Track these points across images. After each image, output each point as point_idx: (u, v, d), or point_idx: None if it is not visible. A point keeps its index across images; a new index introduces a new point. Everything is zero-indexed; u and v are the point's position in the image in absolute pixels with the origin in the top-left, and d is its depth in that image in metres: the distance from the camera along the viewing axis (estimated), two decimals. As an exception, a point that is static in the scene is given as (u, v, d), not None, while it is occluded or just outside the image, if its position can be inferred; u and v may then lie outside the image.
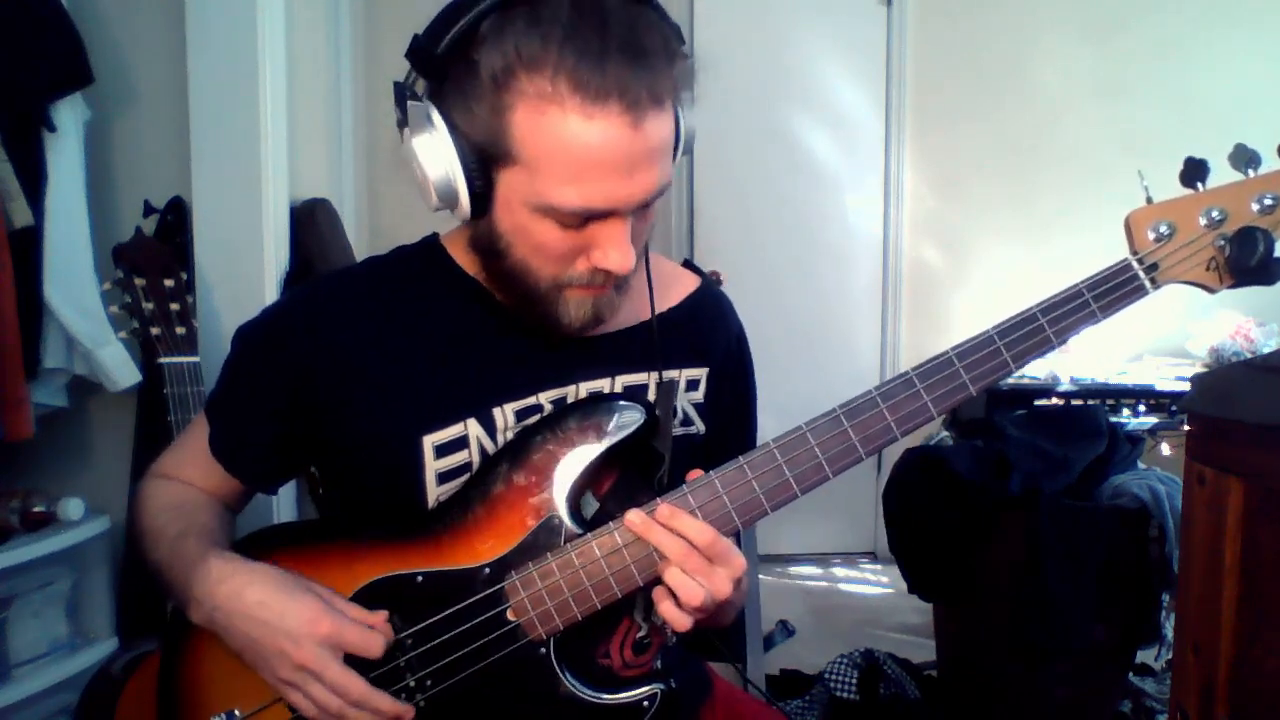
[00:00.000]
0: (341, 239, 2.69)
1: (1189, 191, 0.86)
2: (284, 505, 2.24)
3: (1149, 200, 0.86)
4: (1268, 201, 0.84)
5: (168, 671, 0.93)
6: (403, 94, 0.84)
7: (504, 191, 0.84)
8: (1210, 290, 0.87)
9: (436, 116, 0.82)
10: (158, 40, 2.22)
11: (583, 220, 0.83)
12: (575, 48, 0.76)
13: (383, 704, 0.85)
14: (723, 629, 0.98)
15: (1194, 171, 0.85)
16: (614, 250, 0.84)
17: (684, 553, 0.83)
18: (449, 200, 0.85)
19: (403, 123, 0.86)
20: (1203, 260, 0.85)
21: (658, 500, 0.86)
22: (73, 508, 2.00)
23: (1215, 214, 0.84)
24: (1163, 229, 0.85)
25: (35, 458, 2.16)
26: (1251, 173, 0.84)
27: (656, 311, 0.99)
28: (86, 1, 2.13)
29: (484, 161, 0.83)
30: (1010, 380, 2.94)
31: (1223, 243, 0.84)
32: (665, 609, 0.84)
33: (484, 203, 0.85)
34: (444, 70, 0.82)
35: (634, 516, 0.84)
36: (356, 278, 1.00)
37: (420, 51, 0.82)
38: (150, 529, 0.96)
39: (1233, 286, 0.86)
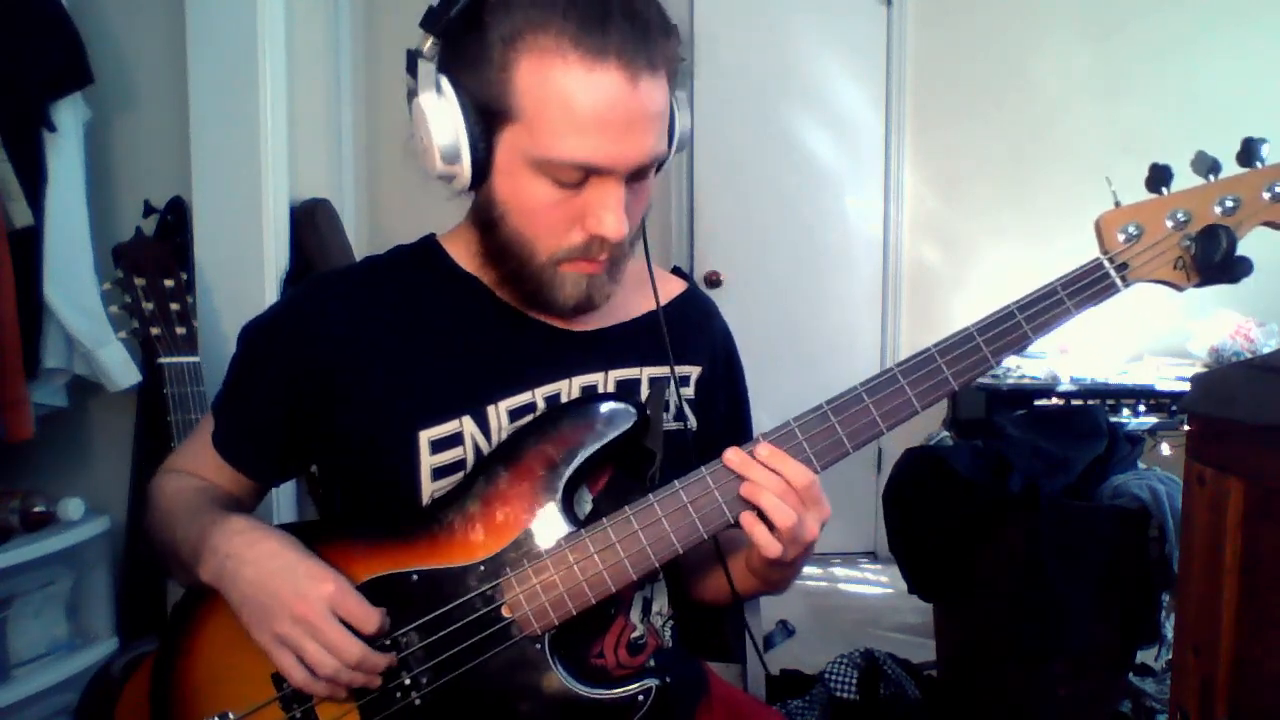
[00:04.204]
0: (341, 239, 2.69)
1: (1155, 195, 0.90)
2: (284, 506, 2.24)
3: (1117, 203, 0.90)
4: (1229, 204, 0.89)
5: (162, 673, 0.93)
6: (414, 60, 0.86)
7: (503, 153, 0.86)
8: (1178, 288, 0.91)
9: (443, 78, 0.85)
10: (158, 40, 2.22)
11: (579, 180, 0.85)
12: (579, 10, 0.81)
13: (377, 666, 0.85)
14: (775, 586, 0.99)
15: (1158, 177, 0.90)
16: (608, 214, 0.86)
17: (782, 490, 0.85)
18: (452, 160, 0.86)
19: (413, 92, 0.88)
20: (1170, 259, 0.90)
21: (760, 439, 0.87)
22: (73, 508, 2.00)
23: (1180, 215, 0.89)
24: (1131, 230, 0.89)
25: (35, 458, 2.16)
26: (1213, 178, 0.89)
27: (646, 310, 1.01)
28: (86, 1, 2.13)
29: (486, 123, 0.85)
30: (1010, 380, 2.94)
31: (1188, 242, 0.89)
32: (758, 534, 0.85)
33: (484, 169, 0.87)
34: (455, 32, 0.84)
35: (732, 455, 0.86)
36: (355, 275, 1.01)
37: (434, 15, 0.85)
38: (167, 510, 0.97)
39: (1199, 285, 0.90)
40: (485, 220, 0.91)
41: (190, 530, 0.92)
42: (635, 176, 0.87)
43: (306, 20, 2.76)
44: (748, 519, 0.86)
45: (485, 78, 0.84)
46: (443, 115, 0.85)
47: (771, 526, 0.85)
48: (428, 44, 0.85)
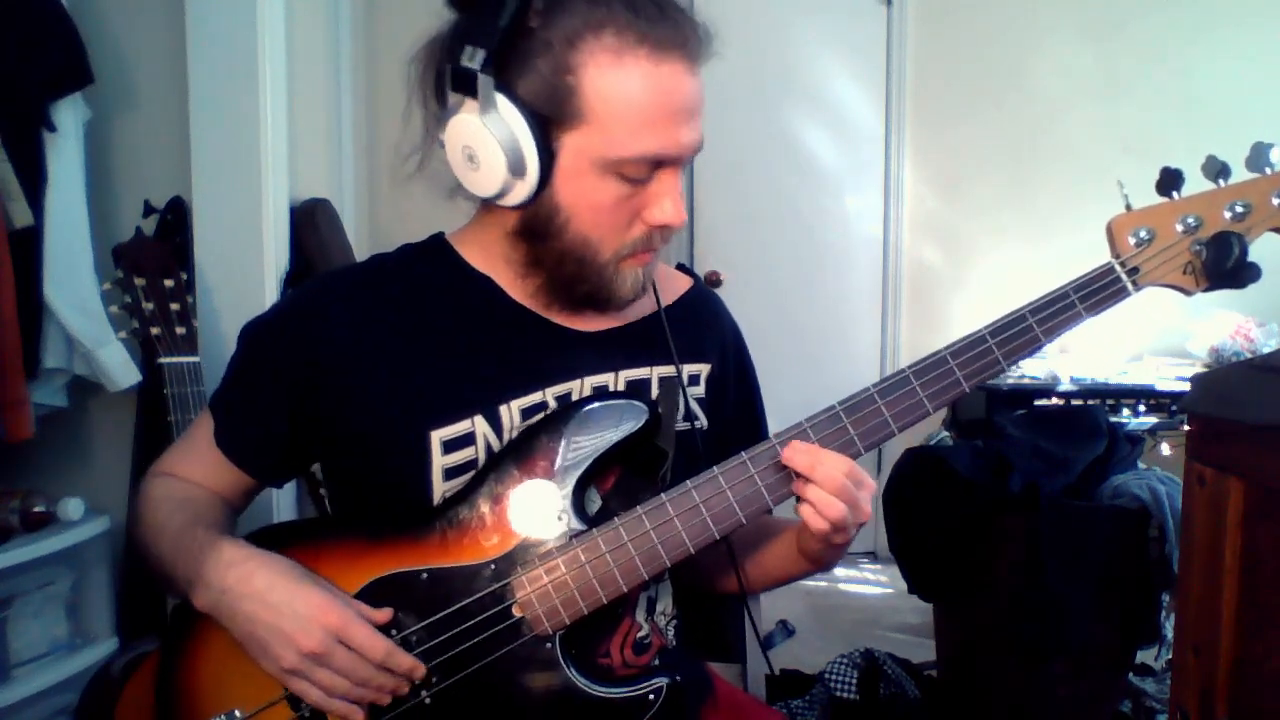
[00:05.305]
0: (341, 239, 2.69)
1: (1165, 200, 0.90)
2: (284, 506, 2.24)
3: (1128, 207, 0.91)
4: (1239, 209, 0.89)
5: (167, 672, 0.93)
6: (470, 75, 0.83)
7: (568, 158, 0.86)
8: (1187, 293, 0.92)
9: (498, 91, 0.84)
10: (158, 40, 2.22)
11: (647, 173, 0.87)
12: (638, 6, 0.83)
13: (388, 684, 0.86)
14: (827, 565, 0.98)
15: (1169, 181, 0.90)
16: (670, 202, 0.89)
17: (840, 486, 0.85)
18: (519, 172, 0.86)
19: (446, 112, 0.87)
20: (1180, 264, 0.91)
21: (775, 439, 0.88)
22: (73, 508, 2.00)
23: (1191, 220, 0.90)
24: (1142, 234, 0.90)
25: (35, 458, 2.16)
26: (1223, 183, 0.89)
27: (655, 310, 1.01)
28: (86, 1, 2.13)
29: (545, 130, 0.85)
30: (1010, 380, 2.94)
31: (1199, 247, 0.89)
32: (804, 510, 0.86)
33: (546, 176, 0.87)
34: (504, 44, 0.83)
35: (798, 456, 0.86)
36: (363, 274, 1.00)
37: (480, 26, 0.83)
38: (154, 523, 0.96)
39: (1208, 289, 0.91)
40: (542, 230, 0.90)
41: (179, 555, 0.91)
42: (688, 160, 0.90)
43: (306, 20, 2.76)
44: (803, 505, 0.87)
45: (544, 84, 0.84)
46: (505, 130, 0.84)
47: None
48: (477, 58, 0.82)
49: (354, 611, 0.85)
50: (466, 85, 0.84)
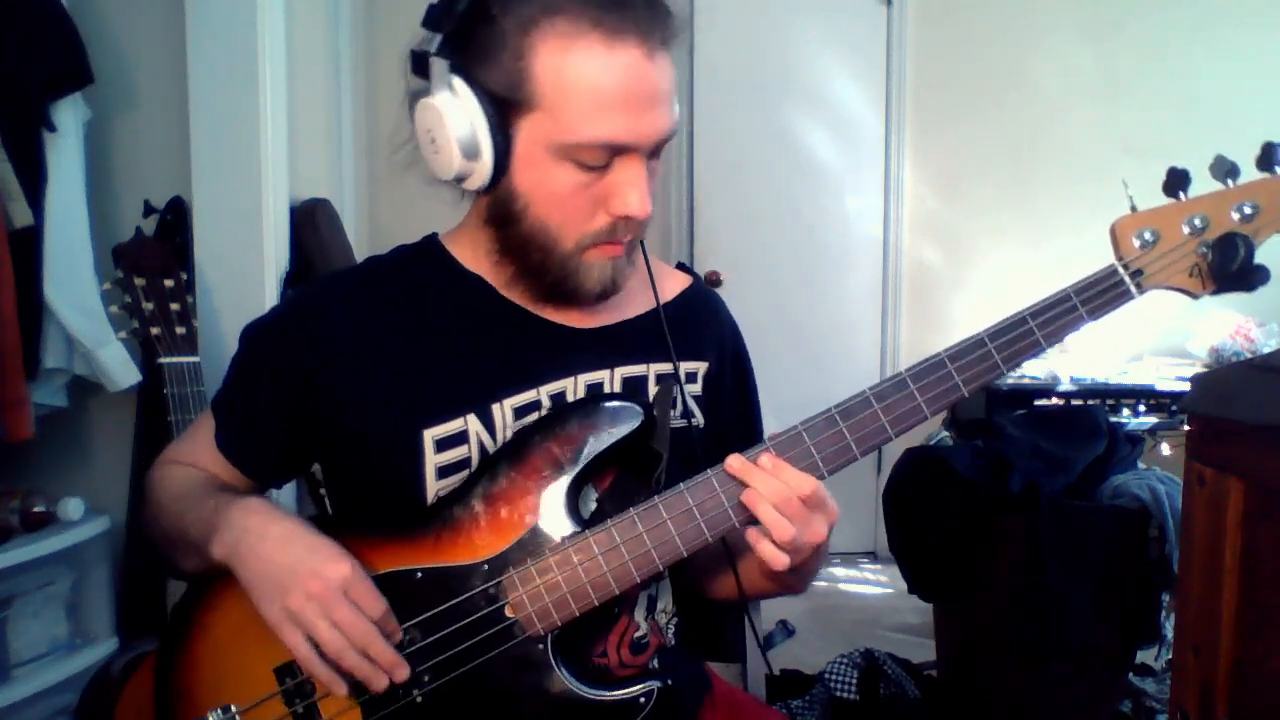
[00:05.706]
0: (341, 239, 2.69)
1: (1171, 200, 0.88)
2: (284, 506, 2.24)
3: (1133, 208, 0.88)
4: (1247, 210, 0.86)
5: (165, 667, 0.93)
6: (420, 60, 0.85)
7: (524, 143, 0.86)
8: (1193, 296, 0.89)
9: (456, 75, 0.85)
10: (158, 40, 2.22)
11: (604, 161, 0.86)
12: None
13: (383, 653, 0.85)
14: (791, 588, 0.97)
15: (1176, 181, 0.88)
16: (633, 193, 0.87)
17: (784, 498, 0.84)
18: (472, 155, 0.86)
19: (418, 94, 0.88)
20: (1185, 266, 0.88)
21: (766, 446, 0.86)
22: (73, 508, 2.00)
23: (1197, 222, 0.87)
24: (1147, 236, 0.87)
25: (35, 458, 2.16)
26: (1231, 183, 0.87)
27: (651, 307, 1.01)
28: (86, 1, 2.13)
29: (503, 115, 0.85)
30: (1010, 380, 2.94)
31: (1205, 249, 0.86)
32: (763, 548, 0.84)
33: (503, 161, 0.87)
34: (463, 27, 0.84)
35: (734, 461, 0.85)
36: (358, 276, 1.02)
37: (439, 11, 0.85)
38: (173, 495, 0.97)
39: (1215, 293, 0.88)
40: (503, 215, 0.90)
41: (202, 509, 0.92)
42: (651, 154, 0.89)
43: (306, 20, 2.76)
44: (753, 535, 0.85)
45: (500, 69, 0.84)
46: (460, 112, 0.85)
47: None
48: (435, 42, 0.85)
49: (362, 571, 0.86)
50: (423, 68, 0.86)
